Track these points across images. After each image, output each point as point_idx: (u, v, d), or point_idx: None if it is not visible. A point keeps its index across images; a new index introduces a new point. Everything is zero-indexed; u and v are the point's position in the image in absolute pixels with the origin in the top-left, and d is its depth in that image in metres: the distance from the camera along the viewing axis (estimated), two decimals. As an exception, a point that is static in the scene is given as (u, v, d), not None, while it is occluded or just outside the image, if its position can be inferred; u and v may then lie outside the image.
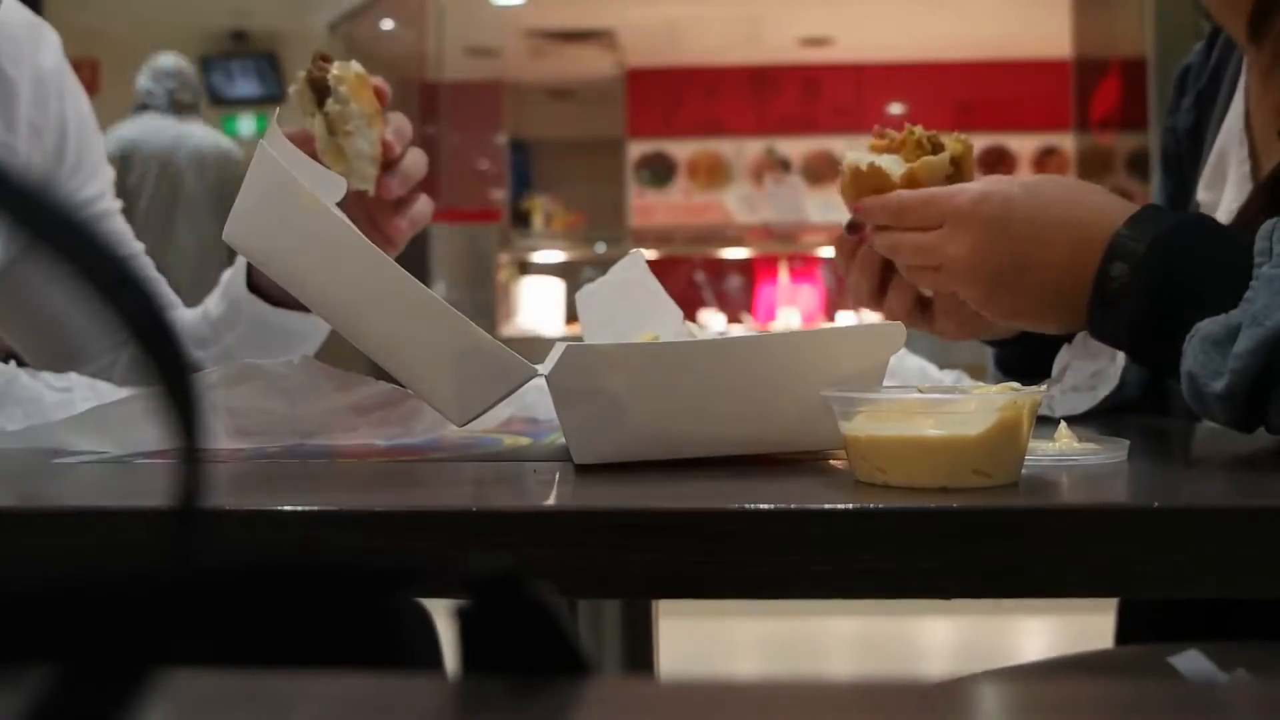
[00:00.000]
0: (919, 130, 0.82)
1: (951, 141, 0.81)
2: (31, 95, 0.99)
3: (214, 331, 1.02)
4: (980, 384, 0.66)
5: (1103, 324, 0.71)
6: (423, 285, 0.65)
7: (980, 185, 0.75)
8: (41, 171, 1.01)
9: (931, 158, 0.80)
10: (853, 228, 0.86)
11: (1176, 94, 1.00)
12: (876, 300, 0.87)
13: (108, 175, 1.08)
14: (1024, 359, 0.94)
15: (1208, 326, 0.62)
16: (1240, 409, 0.60)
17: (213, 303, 1.03)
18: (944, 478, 0.52)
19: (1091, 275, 0.70)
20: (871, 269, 0.86)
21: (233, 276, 1.00)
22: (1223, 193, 0.88)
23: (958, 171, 0.81)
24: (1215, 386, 0.60)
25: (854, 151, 0.84)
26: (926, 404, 0.55)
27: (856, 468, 0.55)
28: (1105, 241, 0.70)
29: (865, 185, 0.82)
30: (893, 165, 0.81)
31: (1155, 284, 0.68)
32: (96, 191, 1.06)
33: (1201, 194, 0.90)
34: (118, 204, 1.09)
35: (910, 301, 0.86)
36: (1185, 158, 0.97)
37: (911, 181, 0.79)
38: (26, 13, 1.01)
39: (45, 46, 1.01)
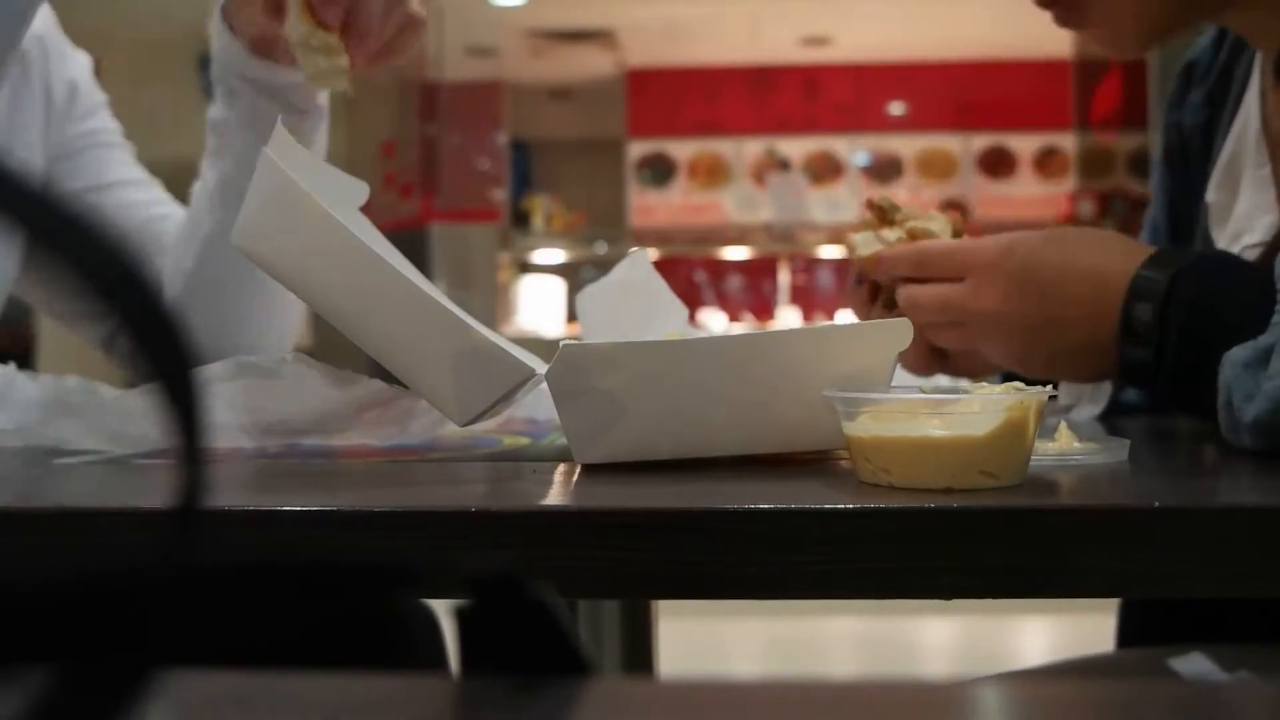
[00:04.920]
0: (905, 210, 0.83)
1: (941, 223, 0.82)
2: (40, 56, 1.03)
3: (221, 141, 0.99)
4: (984, 384, 0.66)
5: (1134, 369, 0.71)
6: (422, 286, 0.65)
7: (1005, 239, 0.75)
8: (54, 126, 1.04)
9: (930, 227, 0.81)
10: (861, 280, 0.87)
11: (1181, 88, 0.99)
12: None
13: (105, 109, 1.12)
14: None
15: (1237, 353, 0.62)
16: (1273, 435, 0.59)
17: (211, 125, 1.01)
18: (950, 478, 0.51)
19: (1117, 320, 0.70)
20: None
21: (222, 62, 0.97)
22: (1237, 194, 0.87)
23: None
24: (1247, 413, 0.59)
25: (857, 235, 0.85)
26: (932, 404, 0.55)
27: (860, 469, 0.54)
28: (1127, 285, 0.70)
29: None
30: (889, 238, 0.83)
31: (1181, 318, 0.68)
32: (100, 124, 1.10)
33: (1212, 195, 0.90)
34: (117, 128, 1.12)
35: (925, 349, 0.86)
36: (1194, 155, 0.96)
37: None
38: None
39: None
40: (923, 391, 0.58)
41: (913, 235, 0.81)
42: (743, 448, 0.61)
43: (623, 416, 0.58)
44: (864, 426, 0.54)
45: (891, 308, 0.83)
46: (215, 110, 1.00)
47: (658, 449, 0.60)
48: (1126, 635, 0.98)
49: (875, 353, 0.60)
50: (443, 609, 0.26)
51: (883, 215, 0.84)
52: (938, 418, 0.53)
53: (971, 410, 0.53)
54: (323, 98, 0.99)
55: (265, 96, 0.96)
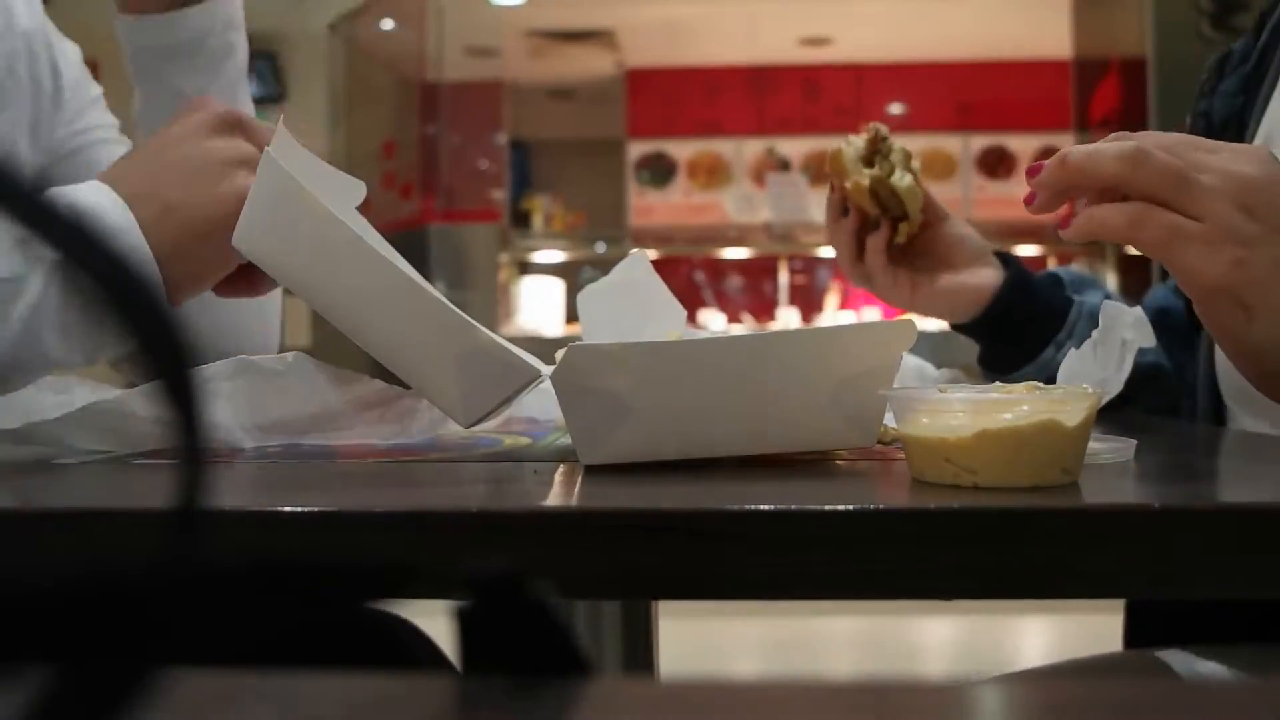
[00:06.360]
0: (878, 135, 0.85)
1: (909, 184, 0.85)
2: (26, 52, 0.99)
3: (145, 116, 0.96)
4: (1000, 383, 0.65)
5: None
6: (425, 288, 0.65)
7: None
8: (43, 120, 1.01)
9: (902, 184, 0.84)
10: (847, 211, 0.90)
11: (1214, 79, 0.99)
12: (857, 261, 0.90)
13: (100, 103, 1.09)
14: (1008, 355, 0.95)
15: None
16: None
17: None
18: (1037, 475, 0.51)
19: None
20: (850, 235, 0.88)
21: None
22: None
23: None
24: None
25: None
26: (1024, 396, 0.53)
27: (930, 470, 0.53)
28: None
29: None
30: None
31: None
32: (94, 120, 1.06)
33: None
34: (113, 123, 1.09)
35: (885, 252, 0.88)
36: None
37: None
38: None
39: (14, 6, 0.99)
40: (940, 390, 0.56)
41: (879, 185, 0.83)
42: (746, 448, 0.61)
43: (628, 417, 0.58)
44: (937, 425, 0.52)
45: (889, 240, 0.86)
46: (138, 102, 0.97)
47: (663, 449, 0.60)
48: (1134, 636, 0.97)
49: (878, 353, 0.60)
50: (443, 609, 0.26)
51: (874, 147, 0.85)
52: (1028, 405, 0.51)
53: (1063, 403, 0.51)
54: (221, 39, 0.95)
55: (163, 59, 0.93)
